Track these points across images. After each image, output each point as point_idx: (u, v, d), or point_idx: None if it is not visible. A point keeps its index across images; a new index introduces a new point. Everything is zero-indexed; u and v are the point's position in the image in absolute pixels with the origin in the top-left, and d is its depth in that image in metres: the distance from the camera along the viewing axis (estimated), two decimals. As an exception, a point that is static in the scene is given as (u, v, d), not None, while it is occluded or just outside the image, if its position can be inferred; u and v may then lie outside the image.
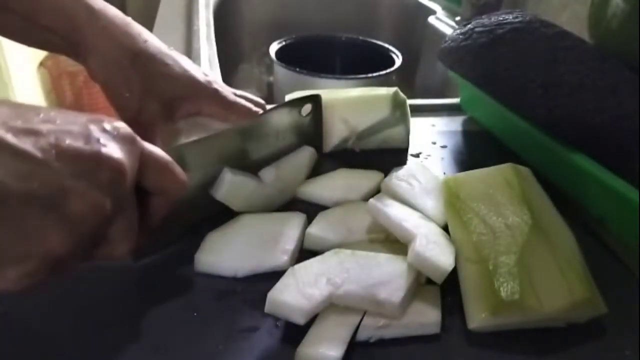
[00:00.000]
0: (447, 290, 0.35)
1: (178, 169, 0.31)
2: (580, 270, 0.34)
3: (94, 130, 0.26)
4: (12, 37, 0.42)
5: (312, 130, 0.49)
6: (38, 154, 0.23)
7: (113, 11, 0.42)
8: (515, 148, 0.55)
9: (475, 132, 0.60)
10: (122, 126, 0.28)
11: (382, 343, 0.32)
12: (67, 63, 1.79)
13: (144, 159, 0.29)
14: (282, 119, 0.45)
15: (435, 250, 0.35)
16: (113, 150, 0.26)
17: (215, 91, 0.44)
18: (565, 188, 0.48)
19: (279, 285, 0.33)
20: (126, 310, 0.34)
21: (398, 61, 0.84)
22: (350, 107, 0.51)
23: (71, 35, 0.40)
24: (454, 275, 0.35)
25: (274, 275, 0.35)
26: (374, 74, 0.77)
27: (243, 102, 0.45)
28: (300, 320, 0.31)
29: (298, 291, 0.32)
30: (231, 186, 0.40)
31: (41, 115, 0.25)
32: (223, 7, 1.02)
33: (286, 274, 0.34)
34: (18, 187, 0.22)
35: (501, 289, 0.33)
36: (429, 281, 0.35)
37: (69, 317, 0.33)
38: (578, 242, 0.37)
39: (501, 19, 0.50)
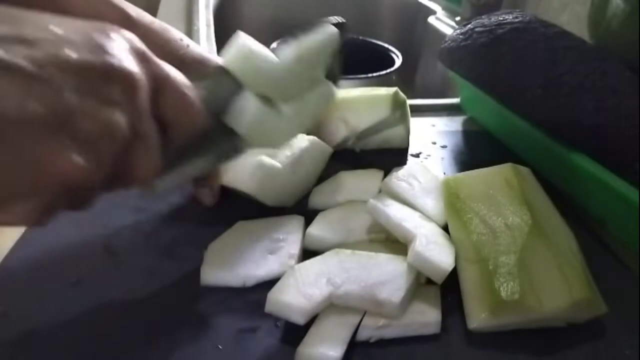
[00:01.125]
0: (447, 290, 0.35)
1: (194, 96, 0.28)
2: (580, 270, 0.34)
3: (101, 39, 0.23)
4: None
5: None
6: (32, 67, 0.20)
7: (150, 18, 0.39)
8: (515, 148, 0.55)
9: (475, 132, 0.60)
10: (134, 38, 0.25)
11: (382, 343, 0.32)
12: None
13: (159, 79, 0.26)
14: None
15: (435, 250, 0.35)
16: (124, 61, 0.23)
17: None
18: (565, 188, 0.48)
19: (279, 285, 0.33)
20: (126, 311, 0.34)
21: (398, 61, 0.84)
22: (350, 107, 0.51)
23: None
24: (454, 275, 0.35)
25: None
26: (374, 74, 0.77)
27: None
28: (300, 320, 0.31)
29: (298, 291, 0.32)
30: (255, 116, 0.36)
31: (34, 20, 0.21)
32: (223, 7, 1.02)
33: (286, 274, 0.34)
34: (13, 109, 0.19)
35: (501, 289, 0.33)
36: (429, 281, 0.35)
37: (69, 317, 0.33)
38: (578, 242, 0.37)
39: (501, 19, 0.50)
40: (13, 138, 0.19)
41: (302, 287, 0.33)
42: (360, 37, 0.95)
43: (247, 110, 0.35)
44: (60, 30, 0.22)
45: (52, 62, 0.21)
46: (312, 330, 0.32)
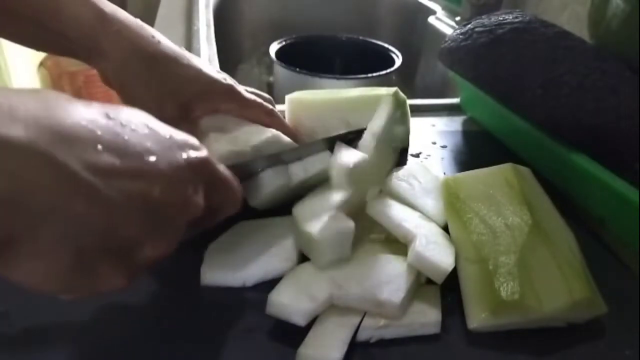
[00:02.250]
0: (447, 290, 0.35)
1: (238, 188, 0.32)
2: (580, 270, 0.34)
3: (184, 170, 0.26)
4: (24, 42, 0.42)
5: None
6: (122, 201, 0.23)
7: (124, 14, 0.41)
8: (515, 148, 0.55)
9: (475, 132, 0.60)
10: (199, 148, 0.28)
11: (382, 343, 0.32)
12: (67, 63, 1.79)
13: (211, 178, 0.29)
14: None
15: (435, 250, 0.35)
16: (199, 198, 0.27)
17: (230, 88, 0.44)
18: (565, 188, 0.48)
19: (280, 286, 0.33)
20: (126, 311, 0.34)
21: (398, 61, 0.84)
22: (350, 107, 0.51)
23: (83, 40, 0.39)
24: (454, 275, 0.35)
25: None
26: (374, 74, 0.77)
27: (256, 98, 0.45)
28: (301, 321, 0.31)
29: (299, 292, 0.32)
30: (270, 192, 0.39)
31: (126, 137, 0.24)
32: (223, 7, 1.02)
33: (287, 275, 0.34)
34: (100, 241, 0.23)
35: (501, 289, 0.33)
36: (429, 281, 0.35)
37: (69, 317, 0.33)
38: (578, 242, 0.37)
39: (501, 19, 0.50)
40: (88, 259, 0.23)
41: (302, 288, 0.32)
42: (360, 37, 0.95)
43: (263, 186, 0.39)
44: (151, 148, 0.25)
45: (140, 198, 0.24)
46: (313, 332, 0.32)
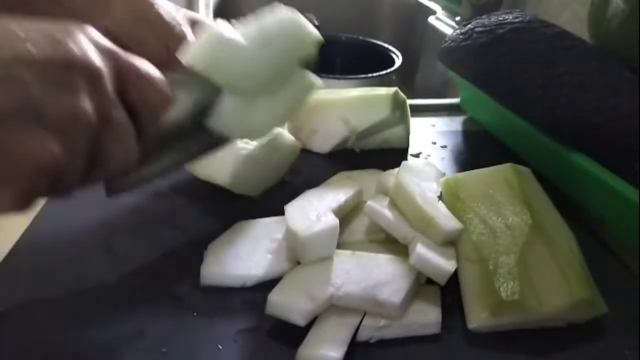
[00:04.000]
0: (447, 290, 0.35)
1: (161, 81, 0.29)
2: (580, 270, 0.34)
3: (61, 35, 0.24)
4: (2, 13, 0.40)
5: None
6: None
7: None
8: (515, 148, 0.55)
9: (475, 132, 0.60)
10: (94, 32, 0.26)
11: (382, 343, 0.32)
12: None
13: (124, 67, 0.27)
14: None
15: (437, 251, 0.35)
16: (84, 52, 0.25)
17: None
18: (565, 188, 0.48)
19: (280, 286, 0.33)
20: (126, 311, 0.34)
21: (398, 61, 0.84)
22: (350, 107, 0.51)
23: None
24: (454, 275, 0.35)
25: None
26: (374, 74, 0.77)
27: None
28: (301, 321, 0.31)
29: (299, 292, 0.32)
30: (229, 112, 0.36)
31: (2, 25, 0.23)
32: (223, 7, 1.02)
33: (287, 275, 0.34)
34: None
35: (501, 289, 0.33)
36: (429, 281, 0.35)
37: (69, 318, 0.33)
38: (578, 242, 0.37)
39: (501, 19, 0.50)
40: None
41: (303, 289, 0.32)
42: (360, 37, 0.95)
43: (221, 108, 0.35)
44: (21, 31, 0.23)
45: (16, 60, 0.22)
46: (313, 331, 0.32)
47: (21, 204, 0.24)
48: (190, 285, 0.36)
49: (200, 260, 0.37)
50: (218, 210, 0.43)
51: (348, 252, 0.35)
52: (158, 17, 0.39)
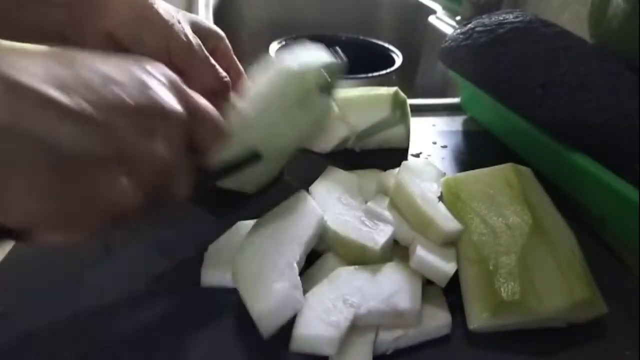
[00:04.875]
0: (447, 290, 0.35)
1: (224, 124, 0.30)
2: (580, 270, 0.34)
3: (142, 76, 0.25)
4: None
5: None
6: (92, 111, 0.22)
7: None
8: (515, 148, 0.55)
9: (476, 132, 0.60)
10: (167, 71, 0.27)
11: (394, 353, 0.32)
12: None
13: (193, 109, 0.28)
14: None
15: (436, 253, 0.35)
16: (171, 100, 0.25)
17: (224, 38, 0.45)
18: (565, 188, 0.48)
19: (300, 320, 0.31)
20: (126, 311, 0.34)
21: (398, 61, 0.84)
22: (350, 107, 0.51)
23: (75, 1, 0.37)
24: (454, 275, 0.35)
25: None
26: (374, 74, 0.77)
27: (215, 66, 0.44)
28: (331, 350, 0.30)
29: (321, 321, 0.30)
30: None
31: (83, 61, 0.23)
32: (223, 7, 1.02)
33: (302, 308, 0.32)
34: (79, 149, 0.21)
35: (502, 289, 0.33)
36: (429, 280, 0.35)
37: (69, 318, 0.33)
38: (578, 242, 0.37)
39: (501, 18, 0.50)
40: (78, 176, 0.22)
41: (324, 317, 0.31)
42: (360, 37, 0.95)
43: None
44: (106, 70, 0.24)
45: (107, 105, 0.23)
46: (337, 357, 0.30)
47: (88, 238, 0.24)
48: (190, 286, 0.36)
49: (200, 260, 0.37)
50: (218, 211, 0.43)
51: (350, 268, 0.35)
52: (158, 16, 0.38)
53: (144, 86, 0.24)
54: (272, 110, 0.39)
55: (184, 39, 0.39)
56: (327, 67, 0.41)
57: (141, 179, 0.24)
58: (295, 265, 0.33)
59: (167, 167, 0.25)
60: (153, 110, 0.24)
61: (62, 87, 0.21)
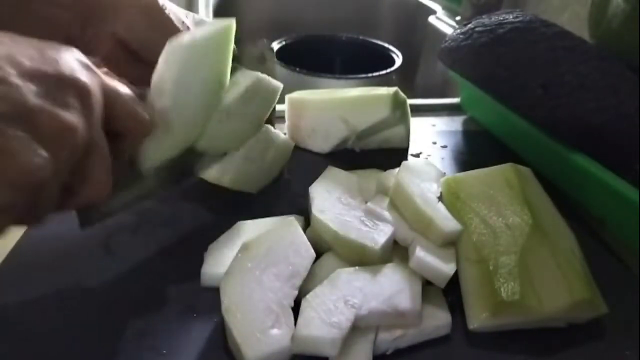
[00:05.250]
0: (447, 290, 0.35)
1: (142, 108, 0.30)
2: (580, 270, 0.34)
3: (53, 53, 0.25)
4: (4, 24, 0.40)
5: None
6: (2, 72, 0.22)
7: None
8: (515, 148, 0.55)
9: (476, 132, 0.60)
10: (81, 55, 0.27)
11: (394, 353, 0.32)
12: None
13: (109, 93, 0.28)
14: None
15: (436, 254, 0.35)
16: (77, 72, 0.25)
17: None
18: (565, 188, 0.48)
19: (302, 321, 0.31)
20: (126, 311, 0.34)
21: (398, 61, 0.84)
22: (350, 107, 0.51)
23: (79, 5, 0.37)
24: (454, 275, 0.35)
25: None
26: (374, 74, 0.77)
27: None
28: (333, 351, 0.30)
29: (323, 322, 0.30)
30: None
31: (6, 38, 0.23)
32: (223, 7, 1.02)
33: (302, 307, 0.32)
34: None
35: (501, 289, 0.33)
36: (429, 281, 0.35)
37: (69, 318, 0.33)
38: (578, 242, 0.37)
39: (501, 18, 0.50)
40: None
41: (325, 318, 0.31)
42: (360, 37, 0.96)
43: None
44: (13, 44, 0.24)
45: (10, 64, 0.22)
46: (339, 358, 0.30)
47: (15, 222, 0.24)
48: (190, 285, 0.36)
49: (200, 260, 0.37)
50: (218, 211, 0.43)
51: (350, 269, 0.34)
52: (168, 21, 0.38)
53: (52, 59, 0.24)
54: (192, 98, 0.35)
55: None
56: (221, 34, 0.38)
57: (54, 151, 0.23)
58: (290, 310, 0.32)
59: (78, 137, 0.24)
60: (61, 79, 0.24)
61: None
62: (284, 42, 0.87)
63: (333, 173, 0.45)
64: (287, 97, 0.51)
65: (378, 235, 0.36)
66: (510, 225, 0.36)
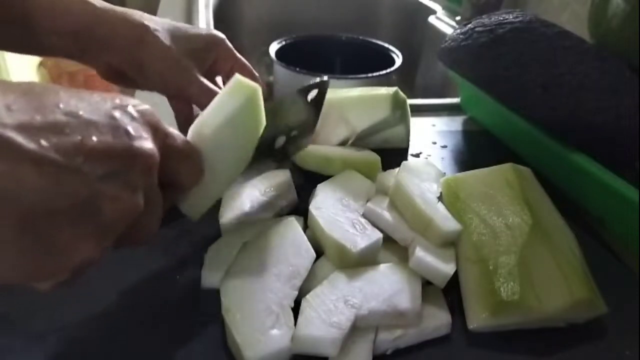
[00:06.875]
0: (447, 290, 0.35)
1: (198, 160, 0.30)
2: (580, 270, 0.34)
3: (121, 119, 0.24)
4: (15, 49, 0.42)
5: (312, 115, 0.47)
6: (63, 159, 0.20)
7: (110, 5, 0.42)
8: (515, 148, 0.55)
9: (475, 132, 0.60)
10: (147, 108, 0.26)
11: (394, 353, 0.32)
12: (67, 63, 1.80)
13: (167, 145, 0.27)
14: (292, 105, 0.43)
15: (435, 254, 0.35)
16: (145, 142, 0.24)
17: (229, 48, 0.47)
18: (565, 188, 0.48)
19: (302, 321, 0.31)
20: (127, 312, 0.34)
21: (398, 61, 0.84)
22: (350, 107, 0.51)
23: (79, 35, 0.40)
24: (454, 275, 0.35)
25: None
26: (374, 74, 0.77)
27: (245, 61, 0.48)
28: (333, 351, 0.29)
29: (323, 322, 0.30)
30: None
31: (61, 104, 0.22)
32: (223, 7, 1.02)
33: (302, 307, 0.32)
34: (43, 201, 0.20)
35: (501, 289, 0.33)
36: (429, 281, 0.35)
37: (69, 317, 0.33)
38: (578, 242, 0.37)
39: (501, 18, 0.50)
40: (41, 229, 0.20)
41: (325, 317, 0.31)
42: (360, 37, 0.95)
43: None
44: (82, 111, 0.22)
45: (80, 151, 0.21)
46: (339, 358, 0.30)
47: (55, 289, 0.24)
48: (190, 286, 0.36)
49: (200, 261, 0.37)
50: (218, 212, 0.43)
51: (350, 269, 0.34)
52: (161, 50, 0.41)
53: (118, 127, 0.23)
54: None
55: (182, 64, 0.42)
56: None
57: (105, 226, 0.23)
58: (290, 310, 0.32)
59: (132, 211, 0.24)
60: (129, 156, 0.23)
61: (26, 130, 0.20)
62: (284, 42, 0.87)
63: (348, 174, 0.45)
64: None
65: (361, 239, 0.36)
66: (510, 225, 0.36)
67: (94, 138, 0.22)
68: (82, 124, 0.22)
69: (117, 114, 0.24)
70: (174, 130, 0.29)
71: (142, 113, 0.25)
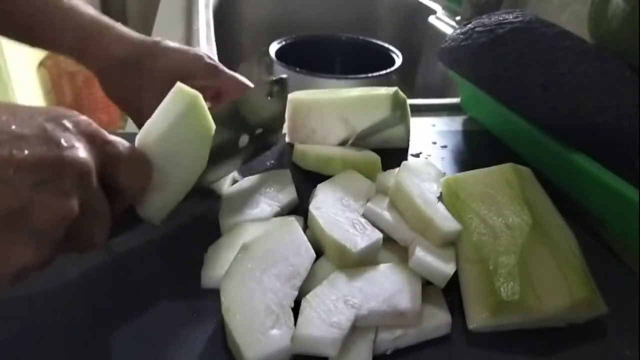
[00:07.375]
0: (447, 290, 0.35)
1: (143, 165, 0.31)
2: (580, 270, 0.34)
3: (53, 130, 0.25)
4: (23, 41, 0.46)
5: (276, 112, 0.48)
6: None
7: (103, 20, 0.46)
8: (515, 148, 0.55)
9: (475, 132, 0.60)
10: (83, 119, 0.27)
11: (394, 353, 0.32)
12: (67, 63, 1.80)
13: (107, 153, 0.28)
14: (251, 104, 0.44)
15: (435, 254, 0.35)
16: (77, 151, 0.25)
17: (213, 65, 0.48)
18: (565, 188, 0.48)
19: (302, 321, 0.31)
20: (127, 312, 0.34)
21: (398, 61, 0.84)
22: (350, 107, 0.51)
23: (74, 44, 0.44)
24: (454, 275, 0.35)
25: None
26: (374, 74, 0.77)
27: (235, 74, 0.50)
28: (333, 351, 0.29)
29: (323, 322, 0.30)
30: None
31: None
32: (223, 7, 1.02)
33: (302, 307, 0.32)
34: None
35: (501, 289, 0.33)
36: (429, 280, 0.35)
37: (69, 317, 0.33)
38: (578, 242, 0.37)
39: (501, 18, 0.50)
40: None
41: (325, 317, 0.31)
42: (360, 37, 0.95)
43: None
44: (13, 125, 0.24)
45: (10, 163, 0.22)
46: (338, 358, 0.30)
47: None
48: (190, 286, 0.36)
49: (200, 261, 0.37)
50: (218, 212, 0.43)
51: (350, 269, 0.34)
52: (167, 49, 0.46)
53: (50, 139, 0.24)
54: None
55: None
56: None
57: (49, 235, 0.24)
58: (290, 310, 0.32)
59: (66, 217, 0.24)
60: (59, 165, 0.24)
61: None
62: (284, 42, 0.87)
63: (348, 174, 0.45)
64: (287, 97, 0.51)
65: (361, 239, 0.36)
66: (510, 225, 0.36)
67: (25, 151, 0.23)
68: (13, 139, 0.23)
69: (49, 126, 0.25)
70: (116, 138, 0.29)
71: (76, 123, 0.26)
